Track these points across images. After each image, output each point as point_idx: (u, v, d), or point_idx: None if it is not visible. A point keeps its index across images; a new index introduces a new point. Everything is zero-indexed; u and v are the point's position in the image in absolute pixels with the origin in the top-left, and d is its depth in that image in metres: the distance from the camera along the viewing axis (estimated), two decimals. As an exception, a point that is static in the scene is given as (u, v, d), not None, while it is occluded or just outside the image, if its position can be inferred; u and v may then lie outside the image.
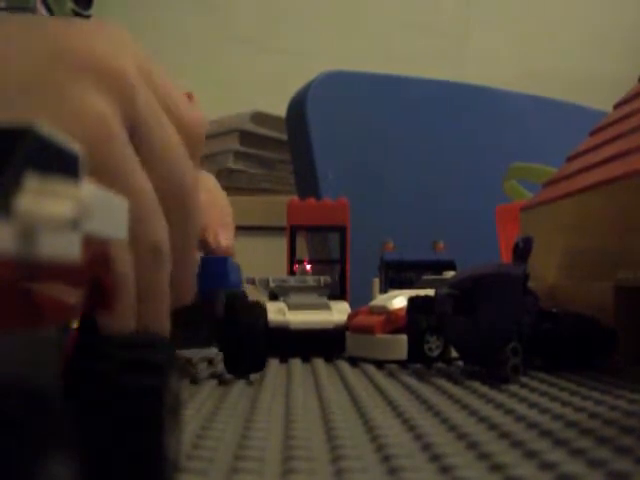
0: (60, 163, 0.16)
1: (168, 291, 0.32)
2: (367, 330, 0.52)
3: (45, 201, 0.14)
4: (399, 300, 0.52)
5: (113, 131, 0.30)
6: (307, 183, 1.18)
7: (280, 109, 1.29)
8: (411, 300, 0.49)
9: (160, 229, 0.32)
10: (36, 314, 0.14)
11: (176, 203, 0.33)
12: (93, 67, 0.31)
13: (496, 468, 0.23)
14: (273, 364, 0.50)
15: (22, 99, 0.30)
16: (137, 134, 0.31)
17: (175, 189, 0.33)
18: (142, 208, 0.31)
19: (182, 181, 0.33)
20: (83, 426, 0.17)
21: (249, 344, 0.43)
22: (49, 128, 0.16)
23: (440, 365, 0.49)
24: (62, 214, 0.15)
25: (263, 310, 0.45)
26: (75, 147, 0.18)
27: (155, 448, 0.19)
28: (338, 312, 0.57)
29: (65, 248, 0.16)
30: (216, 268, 0.42)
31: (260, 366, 0.44)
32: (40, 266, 0.14)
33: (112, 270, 0.20)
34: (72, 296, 0.16)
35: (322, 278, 0.61)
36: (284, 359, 0.53)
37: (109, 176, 0.29)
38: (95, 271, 0.18)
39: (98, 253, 0.18)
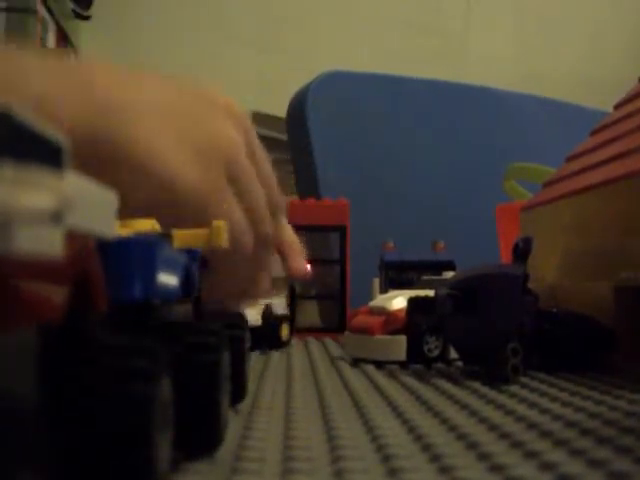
0: (41, 152, 0.15)
1: None
2: (366, 331, 0.52)
3: (22, 192, 0.13)
4: (399, 300, 0.52)
5: (241, 151, 0.42)
6: (307, 183, 1.18)
7: (280, 109, 1.29)
8: (411, 300, 0.49)
9: (270, 228, 0.45)
10: (14, 313, 0.13)
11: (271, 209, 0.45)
12: (224, 106, 0.43)
13: (496, 468, 0.23)
14: (273, 364, 0.50)
15: (174, 122, 0.41)
16: (253, 158, 0.43)
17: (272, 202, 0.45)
18: (261, 208, 0.43)
19: (277, 198, 0.46)
20: (62, 439, 0.16)
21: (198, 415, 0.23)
22: (29, 113, 0.15)
23: (440, 365, 0.49)
24: (41, 206, 0.14)
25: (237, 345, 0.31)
26: (59, 136, 0.16)
27: (143, 465, 0.17)
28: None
29: (46, 243, 0.14)
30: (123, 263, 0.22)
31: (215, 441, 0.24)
32: (18, 262, 0.13)
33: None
34: (54, 294, 0.15)
35: None
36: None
37: (240, 185, 0.42)
38: (80, 268, 0.17)
39: (83, 249, 0.17)
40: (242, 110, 0.44)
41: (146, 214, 0.39)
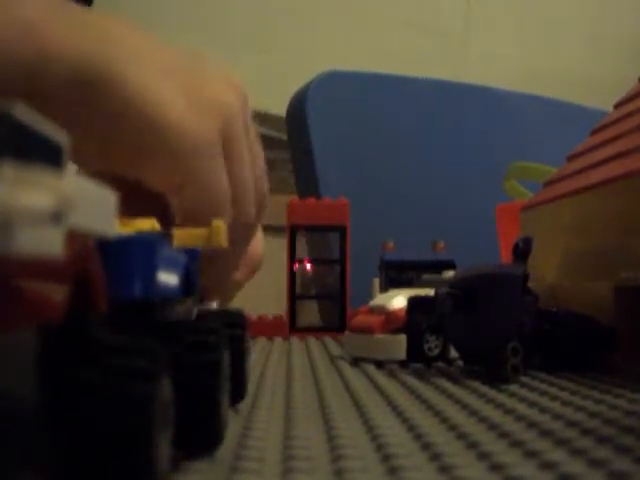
0: (41, 152, 0.15)
1: None
2: (366, 330, 0.52)
3: (22, 192, 0.13)
4: (399, 300, 0.52)
5: (238, 118, 0.42)
6: (307, 183, 1.18)
7: (280, 108, 1.29)
8: (411, 300, 0.49)
9: (253, 209, 0.43)
10: (14, 313, 0.13)
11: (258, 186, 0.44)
12: (225, 76, 0.43)
13: (496, 468, 0.23)
14: (273, 363, 0.50)
15: (173, 71, 0.40)
16: (247, 136, 0.43)
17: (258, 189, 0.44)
18: (248, 184, 0.43)
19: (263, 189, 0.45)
20: (62, 439, 0.16)
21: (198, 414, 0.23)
22: (30, 113, 0.15)
23: (440, 365, 0.49)
24: (41, 206, 0.14)
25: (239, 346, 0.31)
26: (59, 135, 0.16)
27: (143, 465, 0.17)
28: None
29: (46, 243, 0.14)
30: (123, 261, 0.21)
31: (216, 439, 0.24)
32: (18, 262, 0.13)
33: None
34: (54, 294, 0.15)
35: None
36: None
37: (232, 152, 0.41)
38: (80, 267, 0.17)
39: (83, 248, 0.17)
40: (243, 86, 0.44)
41: (130, 160, 0.40)
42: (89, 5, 0.69)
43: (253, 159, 0.44)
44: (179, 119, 0.39)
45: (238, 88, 0.44)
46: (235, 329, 0.31)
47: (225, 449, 0.24)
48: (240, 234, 0.43)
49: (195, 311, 0.29)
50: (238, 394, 0.32)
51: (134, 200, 0.43)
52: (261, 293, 0.96)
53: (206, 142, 0.40)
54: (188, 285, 0.27)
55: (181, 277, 0.25)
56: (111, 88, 0.38)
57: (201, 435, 0.23)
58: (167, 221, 0.40)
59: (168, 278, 0.23)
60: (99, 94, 0.38)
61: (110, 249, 0.20)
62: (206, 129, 0.40)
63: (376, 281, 0.68)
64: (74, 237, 0.16)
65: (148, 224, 0.30)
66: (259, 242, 0.56)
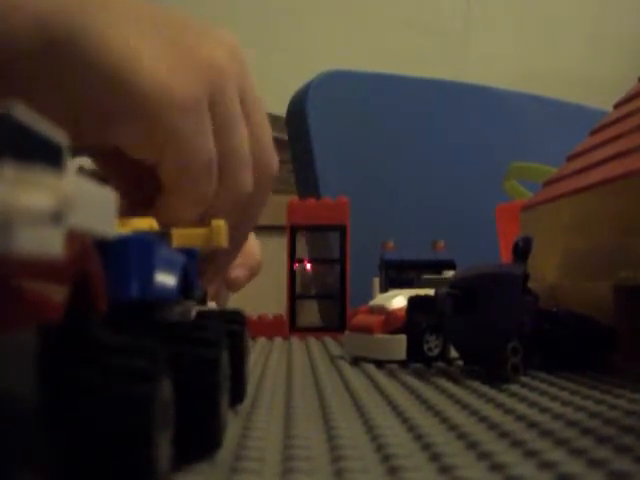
0: (41, 152, 0.15)
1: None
2: (366, 330, 0.52)
3: (23, 192, 0.13)
4: (399, 300, 0.52)
5: (229, 81, 0.39)
6: (307, 182, 1.18)
7: (280, 108, 1.29)
8: (411, 300, 0.49)
9: (250, 180, 0.40)
10: (14, 313, 0.13)
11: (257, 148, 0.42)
12: (217, 36, 0.41)
13: (496, 467, 0.23)
14: (273, 363, 0.50)
15: (155, 29, 0.38)
16: (244, 102, 0.40)
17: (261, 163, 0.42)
18: (242, 158, 0.40)
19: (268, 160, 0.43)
20: (62, 439, 0.16)
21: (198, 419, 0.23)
22: (30, 114, 0.15)
23: (440, 365, 0.49)
24: (41, 206, 0.14)
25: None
26: (59, 136, 0.16)
27: (143, 465, 0.17)
28: None
29: (46, 243, 0.14)
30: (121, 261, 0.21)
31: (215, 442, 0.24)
32: (18, 262, 0.13)
33: None
34: (54, 294, 0.15)
35: None
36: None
37: (219, 119, 0.38)
38: (80, 267, 0.17)
39: (83, 248, 0.17)
40: (240, 49, 0.41)
41: (102, 122, 0.37)
42: None
43: (254, 129, 0.41)
44: (155, 73, 0.37)
45: (233, 49, 0.41)
46: (234, 329, 0.31)
47: (225, 449, 0.24)
48: (238, 214, 0.40)
49: (194, 311, 0.29)
50: (237, 395, 0.31)
51: (122, 172, 0.41)
52: (261, 293, 0.97)
53: (187, 100, 0.37)
54: (187, 285, 0.27)
55: (179, 277, 0.25)
56: (73, 41, 0.35)
57: (200, 435, 0.23)
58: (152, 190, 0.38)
59: (166, 278, 0.23)
60: (63, 49, 0.35)
61: (107, 249, 0.20)
62: (189, 86, 0.37)
63: (376, 281, 0.68)
64: (74, 237, 0.16)
65: (146, 224, 0.30)
66: (254, 244, 0.54)
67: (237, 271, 0.49)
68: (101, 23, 0.36)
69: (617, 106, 0.60)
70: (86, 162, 0.43)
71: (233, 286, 0.50)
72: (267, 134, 0.43)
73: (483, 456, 0.24)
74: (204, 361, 0.23)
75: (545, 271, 0.56)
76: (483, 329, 0.43)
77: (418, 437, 0.27)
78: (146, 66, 0.37)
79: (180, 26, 0.40)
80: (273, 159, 0.44)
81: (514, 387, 0.39)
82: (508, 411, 0.32)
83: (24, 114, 0.14)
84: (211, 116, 0.39)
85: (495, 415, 0.31)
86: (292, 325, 0.74)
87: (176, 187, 0.38)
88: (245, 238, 0.44)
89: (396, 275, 0.65)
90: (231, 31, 0.42)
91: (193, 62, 0.38)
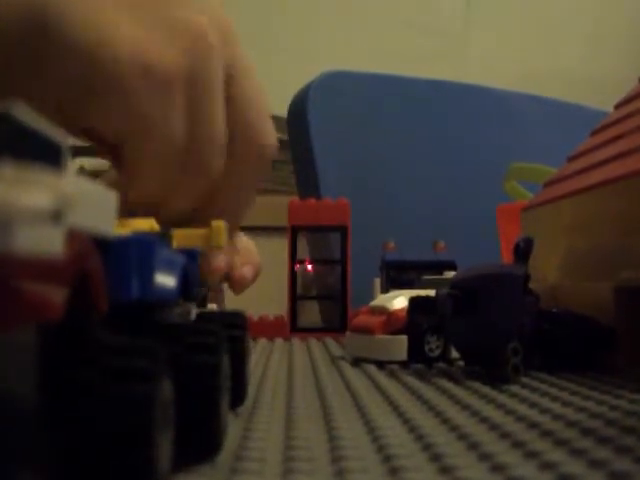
0: (41, 151, 0.15)
1: None
2: (367, 330, 0.52)
3: (23, 191, 0.13)
4: (399, 300, 0.52)
5: (209, 46, 0.37)
6: (307, 183, 1.18)
7: (280, 109, 1.28)
8: (412, 300, 0.49)
9: (219, 164, 0.38)
10: (13, 313, 0.13)
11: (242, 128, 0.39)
12: (199, 5, 0.38)
13: (497, 468, 0.23)
14: (274, 363, 0.50)
15: (149, 14, 0.36)
16: (230, 79, 0.38)
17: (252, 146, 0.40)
18: (213, 141, 0.37)
19: (250, 104, 0.40)
20: (62, 439, 0.16)
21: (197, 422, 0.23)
22: (30, 113, 0.15)
23: (441, 365, 0.49)
24: (41, 205, 0.14)
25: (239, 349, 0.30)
26: (59, 135, 0.16)
27: (143, 465, 0.17)
28: None
29: (46, 242, 0.14)
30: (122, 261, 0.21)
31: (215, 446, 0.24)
32: (18, 261, 0.13)
33: None
34: (54, 293, 0.15)
35: None
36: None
37: (197, 82, 0.36)
38: (80, 267, 0.17)
39: (83, 248, 0.17)
40: (230, 23, 0.39)
41: (80, 104, 0.35)
42: None
43: (237, 103, 0.39)
44: (132, 50, 0.35)
45: (217, 17, 0.39)
46: (235, 330, 0.31)
47: (226, 450, 0.24)
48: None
49: (195, 312, 0.29)
50: (238, 397, 0.31)
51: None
52: (262, 294, 0.97)
53: (161, 77, 0.36)
54: (187, 286, 0.27)
55: (179, 278, 0.25)
56: (53, 26, 0.34)
57: (201, 437, 0.23)
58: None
59: (166, 279, 0.23)
60: (43, 34, 0.35)
61: (108, 249, 0.20)
62: (166, 61, 0.36)
63: (377, 281, 0.68)
64: (74, 236, 0.16)
65: (146, 224, 0.30)
66: (252, 245, 0.52)
67: (244, 270, 0.48)
68: (79, 5, 0.35)
69: (618, 107, 0.60)
70: (86, 162, 0.43)
71: (238, 286, 0.48)
72: (254, 107, 0.40)
73: (484, 457, 0.24)
74: (204, 365, 0.23)
75: (546, 272, 0.56)
76: (484, 330, 0.43)
77: (419, 438, 0.27)
78: (123, 42, 0.35)
79: (161, 1, 0.38)
80: (261, 134, 0.40)
81: (515, 388, 0.39)
82: (509, 412, 0.32)
83: (24, 114, 0.14)
84: (187, 91, 0.37)
85: (496, 416, 0.31)
86: (293, 326, 0.74)
87: (138, 170, 0.37)
88: (236, 225, 0.42)
89: (397, 276, 0.65)
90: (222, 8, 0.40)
91: (172, 34, 0.37)
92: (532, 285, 0.45)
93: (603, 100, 0.85)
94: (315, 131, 1.18)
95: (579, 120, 0.84)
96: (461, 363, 0.48)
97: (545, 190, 0.63)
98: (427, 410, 0.33)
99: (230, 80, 0.39)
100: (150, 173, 0.37)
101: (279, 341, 0.68)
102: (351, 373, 0.45)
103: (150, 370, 0.18)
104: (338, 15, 1.80)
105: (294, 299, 0.75)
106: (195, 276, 0.28)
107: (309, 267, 0.76)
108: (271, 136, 0.41)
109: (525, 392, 0.38)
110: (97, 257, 0.18)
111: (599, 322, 0.47)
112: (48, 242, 0.15)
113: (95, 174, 0.42)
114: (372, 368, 0.48)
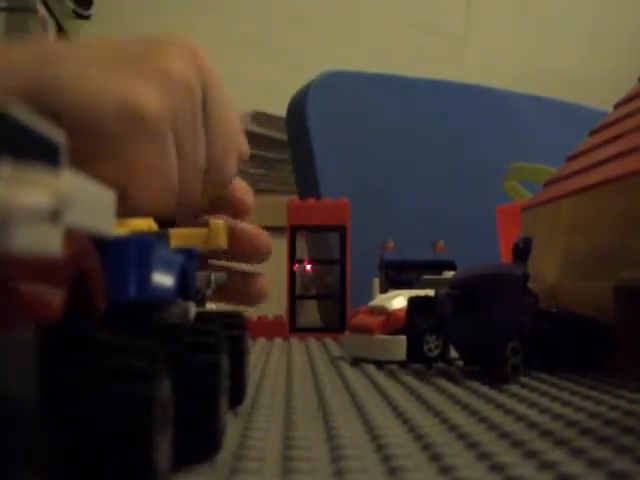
0: (39, 151, 0.15)
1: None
2: (366, 330, 0.52)
3: (21, 190, 0.13)
4: (399, 300, 0.52)
5: (189, 88, 0.41)
6: (307, 183, 1.18)
7: (280, 109, 1.29)
8: (411, 300, 0.49)
9: (197, 193, 0.42)
10: (12, 313, 0.13)
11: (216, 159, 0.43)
12: (176, 44, 0.42)
13: (496, 468, 0.23)
14: (273, 363, 0.50)
15: (130, 68, 0.40)
16: (208, 102, 0.42)
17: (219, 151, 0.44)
18: (195, 169, 0.42)
19: (229, 140, 0.44)
20: (62, 439, 0.16)
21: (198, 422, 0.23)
22: (27, 113, 0.15)
23: (440, 365, 0.49)
24: (39, 205, 0.14)
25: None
26: (56, 135, 0.16)
27: (143, 465, 0.17)
28: None
29: (44, 242, 0.14)
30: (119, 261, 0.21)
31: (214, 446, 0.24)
32: (17, 261, 0.13)
33: None
34: (53, 293, 0.15)
35: None
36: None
37: (183, 125, 0.40)
38: (79, 267, 0.17)
39: (82, 247, 0.17)
40: (200, 49, 0.43)
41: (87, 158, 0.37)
42: (89, 7, 0.70)
43: (210, 136, 0.43)
44: (120, 105, 0.38)
45: (193, 55, 0.42)
46: (234, 330, 0.31)
47: (225, 449, 0.24)
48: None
49: (194, 312, 0.29)
50: (237, 396, 0.31)
51: None
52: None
53: (153, 128, 0.39)
54: (185, 286, 0.27)
55: (177, 278, 0.25)
56: (51, 93, 0.37)
57: (200, 438, 0.23)
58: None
59: (164, 279, 0.23)
60: (41, 100, 0.37)
61: (106, 249, 0.20)
62: (156, 111, 0.39)
63: (376, 281, 0.68)
64: (72, 236, 0.16)
65: (145, 224, 0.30)
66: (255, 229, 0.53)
67: (261, 281, 0.49)
68: (68, 70, 0.39)
69: (617, 106, 0.60)
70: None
71: (261, 298, 0.50)
72: (222, 139, 0.44)
73: (483, 456, 0.24)
74: (204, 365, 0.23)
75: (545, 271, 0.56)
76: (483, 329, 0.43)
77: (418, 437, 0.27)
78: (111, 100, 0.38)
79: (140, 49, 0.42)
80: (227, 170, 0.45)
81: (514, 387, 0.39)
82: (508, 411, 0.32)
83: (22, 113, 0.14)
84: (173, 131, 0.40)
85: (495, 416, 0.31)
86: (292, 326, 0.74)
87: (137, 204, 0.39)
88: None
89: (396, 275, 0.65)
90: (189, 37, 0.43)
91: (155, 82, 0.40)
92: (531, 285, 0.45)
93: (603, 100, 0.85)
94: (315, 131, 1.18)
95: (579, 120, 0.84)
96: (460, 363, 0.48)
97: (544, 190, 0.63)
98: (426, 410, 0.33)
99: (206, 115, 0.43)
100: (148, 208, 0.39)
101: (278, 341, 0.68)
102: (350, 373, 0.45)
103: (149, 370, 0.18)
104: (338, 15, 1.80)
105: (293, 299, 0.75)
106: (193, 276, 0.28)
107: (308, 267, 0.76)
108: (232, 165, 0.46)
109: (524, 392, 0.38)
110: (95, 257, 0.18)
111: (599, 322, 0.47)
112: (46, 242, 0.15)
113: None
114: (371, 368, 0.48)
